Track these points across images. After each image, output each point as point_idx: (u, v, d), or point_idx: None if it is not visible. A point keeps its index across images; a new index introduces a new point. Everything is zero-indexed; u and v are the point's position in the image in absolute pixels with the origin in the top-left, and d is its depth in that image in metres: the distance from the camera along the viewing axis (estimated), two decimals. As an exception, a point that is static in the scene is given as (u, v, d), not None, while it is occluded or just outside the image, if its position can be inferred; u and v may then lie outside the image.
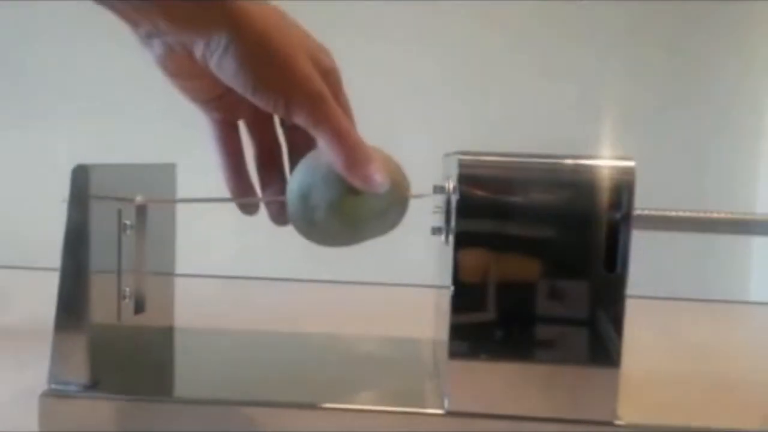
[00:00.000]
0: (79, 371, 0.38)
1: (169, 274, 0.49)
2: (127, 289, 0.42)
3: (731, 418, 0.43)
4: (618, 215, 0.36)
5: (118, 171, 0.41)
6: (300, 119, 0.34)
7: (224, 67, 0.33)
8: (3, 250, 0.86)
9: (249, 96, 0.34)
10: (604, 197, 0.35)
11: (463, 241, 0.36)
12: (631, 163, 0.36)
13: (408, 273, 0.82)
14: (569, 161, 0.36)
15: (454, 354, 0.37)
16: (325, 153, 0.35)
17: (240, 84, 0.34)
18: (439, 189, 0.39)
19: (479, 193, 0.35)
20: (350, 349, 0.50)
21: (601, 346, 0.36)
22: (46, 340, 0.38)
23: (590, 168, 0.36)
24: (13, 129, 0.89)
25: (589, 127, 0.84)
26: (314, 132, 0.34)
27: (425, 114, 0.85)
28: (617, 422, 0.36)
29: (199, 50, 0.33)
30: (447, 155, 0.45)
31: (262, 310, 0.72)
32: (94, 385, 0.38)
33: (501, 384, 0.37)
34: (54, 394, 0.38)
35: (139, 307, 0.44)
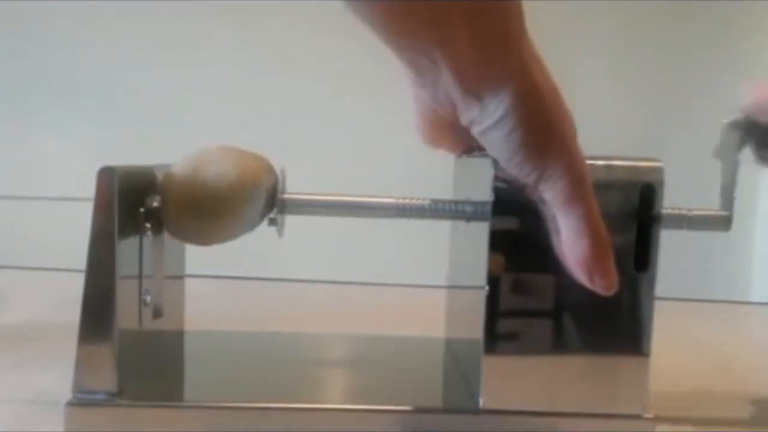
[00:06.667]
0: (105, 379, 0.37)
1: (181, 276, 0.48)
2: (148, 294, 0.41)
3: (733, 418, 0.44)
4: (648, 216, 0.37)
5: (138, 172, 0.40)
6: (551, 194, 0.33)
7: (490, 136, 0.32)
8: (3, 250, 0.83)
9: (504, 163, 0.33)
10: (635, 198, 0.36)
11: (497, 241, 0.37)
12: (659, 164, 0.37)
13: (408, 273, 0.82)
14: (601, 162, 0.37)
15: (488, 351, 0.37)
16: (564, 235, 0.34)
17: (503, 151, 0.32)
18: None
19: (513, 192, 0.36)
20: (362, 350, 0.50)
21: (631, 342, 0.37)
22: (45, 341, 0.37)
23: (621, 169, 0.37)
24: (12, 128, 0.86)
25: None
26: (562, 211, 0.33)
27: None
28: (646, 416, 0.37)
29: (468, 113, 0.32)
30: (459, 157, 0.45)
31: (266, 311, 0.71)
32: (120, 392, 0.37)
33: (534, 381, 0.37)
34: (80, 403, 0.37)
35: (158, 312, 0.43)
